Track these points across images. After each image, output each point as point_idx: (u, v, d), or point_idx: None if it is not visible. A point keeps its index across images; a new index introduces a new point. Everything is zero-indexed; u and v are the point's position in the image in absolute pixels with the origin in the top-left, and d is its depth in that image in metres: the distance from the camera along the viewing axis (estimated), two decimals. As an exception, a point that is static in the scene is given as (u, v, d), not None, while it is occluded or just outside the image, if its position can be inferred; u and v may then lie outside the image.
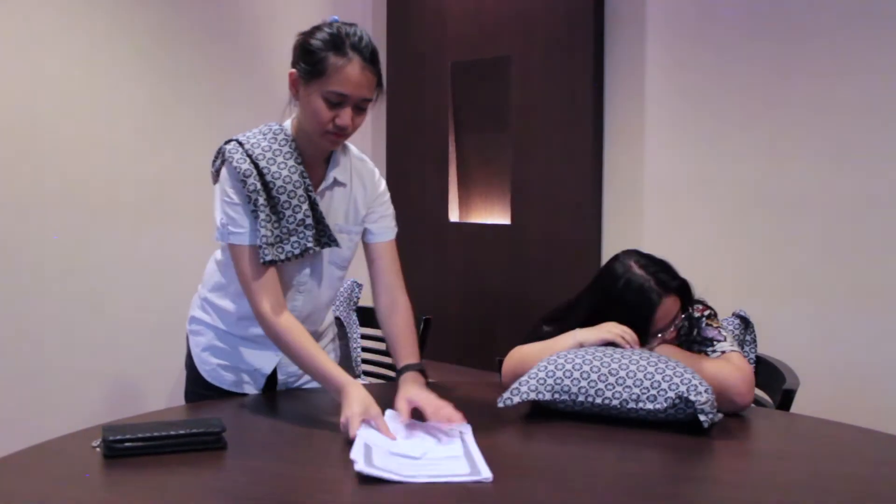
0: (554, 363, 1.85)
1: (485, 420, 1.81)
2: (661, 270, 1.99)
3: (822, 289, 3.18)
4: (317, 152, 1.99)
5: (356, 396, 1.74)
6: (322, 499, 1.45)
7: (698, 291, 2.07)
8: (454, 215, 4.25)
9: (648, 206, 3.63)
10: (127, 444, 1.57)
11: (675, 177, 3.55)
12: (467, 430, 1.72)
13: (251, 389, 2.13)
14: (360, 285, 2.95)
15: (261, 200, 1.89)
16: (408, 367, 1.93)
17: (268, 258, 1.89)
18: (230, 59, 3.81)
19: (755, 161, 3.33)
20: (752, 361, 2.23)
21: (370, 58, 1.90)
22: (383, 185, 2.19)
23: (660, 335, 1.97)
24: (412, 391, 1.83)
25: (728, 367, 1.90)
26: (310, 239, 1.93)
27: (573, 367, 1.83)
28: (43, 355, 3.23)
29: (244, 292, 1.95)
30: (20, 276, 3.15)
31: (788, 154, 3.25)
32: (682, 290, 1.99)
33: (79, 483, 1.49)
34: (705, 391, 1.74)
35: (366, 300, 2.80)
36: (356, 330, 2.92)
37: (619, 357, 1.84)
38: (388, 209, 2.17)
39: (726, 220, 3.41)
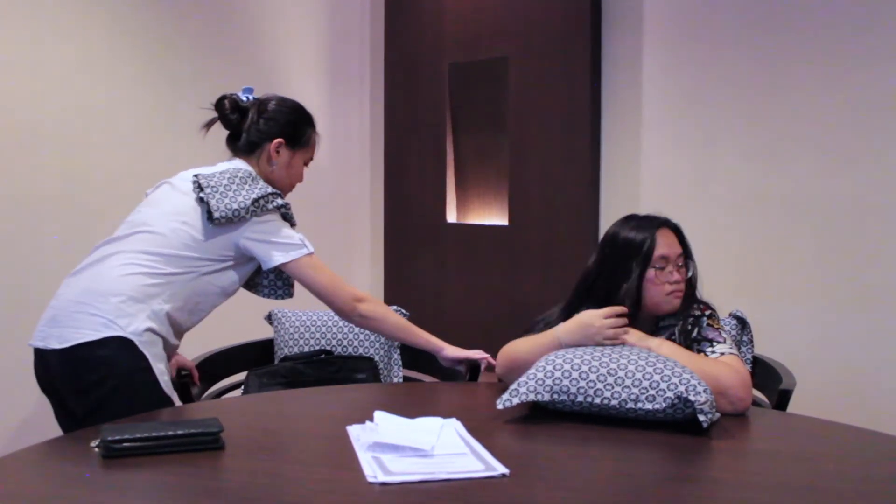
0: (552, 364, 1.86)
1: (484, 421, 1.81)
2: (644, 216, 2.09)
3: (819, 289, 3.19)
4: None
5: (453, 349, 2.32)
6: (320, 500, 1.45)
7: (696, 293, 2.08)
8: (452, 216, 4.25)
9: (645, 206, 3.60)
10: (125, 444, 1.57)
11: (672, 177, 3.56)
12: (458, 425, 1.74)
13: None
14: (405, 314, 2.55)
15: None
16: None
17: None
18: (229, 60, 3.82)
19: (752, 162, 3.33)
20: (748, 362, 2.24)
21: None
22: None
23: (668, 268, 2.01)
24: None
25: (727, 369, 1.89)
26: None
27: (572, 368, 1.83)
28: (40, 356, 3.22)
29: (332, 293, 2.27)
30: (19, 275, 3.15)
31: (785, 155, 3.26)
32: (675, 227, 2.08)
33: (77, 483, 1.49)
34: (704, 391, 1.74)
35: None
36: (398, 372, 2.63)
37: (618, 357, 1.85)
38: None
39: (723, 221, 3.42)
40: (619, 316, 1.96)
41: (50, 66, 3.21)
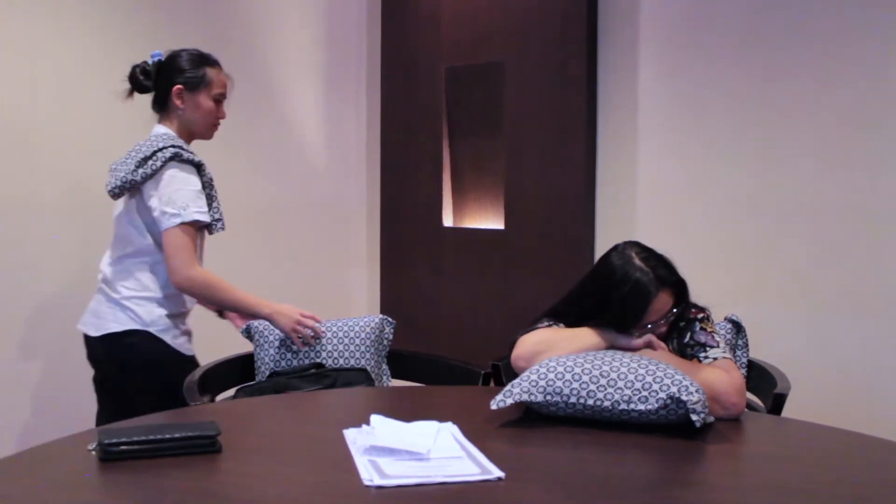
0: (546, 366, 1.86)
1: (480, 424, 1.82)
2: (660, 265, 1.99)
3: (814, 293, 3.20)
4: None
5: (282, 308, 2.45)
6: (316, 503, 1.46)
7: (691, 296, 2.08)
8: (448, 220, 4.26)
9: (641, 210, 3.64)
10: (122, 447, 1.57)
11: (669, 182, 3.57)
12: (454, 429, 1.74)
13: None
14: (391, 322, 2.64)
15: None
16: None
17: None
18: (226, 61, 3.81)
19: (748, 166, 3.35)
20: (743, 366, 2.24)
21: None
22: None
23: (649, 326, 1.98)
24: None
25: (721, 375, 1.90)
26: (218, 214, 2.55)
27: (565, 370, 1.84)
28: (37, 358, 3.23)
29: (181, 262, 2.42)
30: (16, 277, 3.15)
31: (780, 159, 3.27)
32: (679, 286, 2.00)
33: (74, 486, 1.49)
34: (696, 391, 1.75)
35: (398, 342, 2.70)
36: (387, 382, 2.62)
37: (611, 360, 1.85)
38: None
39: (719, 225, 3.43)
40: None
41: (47, 67, 3.21)
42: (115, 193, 2.48)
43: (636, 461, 1.69)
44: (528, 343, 2.02)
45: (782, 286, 3.27)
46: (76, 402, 3.27)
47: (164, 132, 2.51)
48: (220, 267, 3.83)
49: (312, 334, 2.47)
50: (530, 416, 1.89)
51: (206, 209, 2.45)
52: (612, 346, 1.98)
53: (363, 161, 4.53)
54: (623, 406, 1.79)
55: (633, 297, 1.95)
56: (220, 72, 2.57)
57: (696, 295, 2.09)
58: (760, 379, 2.27)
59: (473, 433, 1.74)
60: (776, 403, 2.08)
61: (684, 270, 2.08)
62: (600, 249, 3.72)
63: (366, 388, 2.44)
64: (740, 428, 1.86)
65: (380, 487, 1.46)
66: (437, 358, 2.66)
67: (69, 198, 3.27)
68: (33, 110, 3.19)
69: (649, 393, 1.77)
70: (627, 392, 1.79)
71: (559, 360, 1.88)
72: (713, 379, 1.88)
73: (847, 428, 1.86)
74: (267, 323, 2.53)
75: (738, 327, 2.27)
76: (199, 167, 2.47)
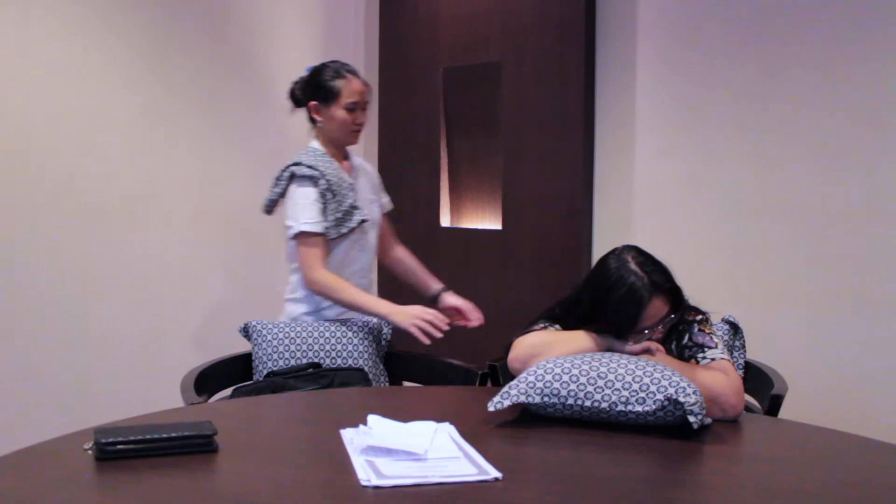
0: (544, 367, 1.86)
1: (477, 425, 1.82)
2: (656, 271, 1.97)
3: (811, 295, 3.20)
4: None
5: (402, 308, 2.49)
6: (313, 503, 1.46)
7: (688, 297, 2.08)
8: (445, 220, 4.26)
9: (639, 211, 3.65)
10: (119, 446, 1.57)
11: (666, 182, 3.57)
12: (452, 429, 1.74)
13: None
14: (388, 323, 2.63)
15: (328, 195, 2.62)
16: (441, 289, 2.83)
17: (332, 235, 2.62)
18: (223, 63, 3.82)
19: (746, 167, 3.35)
20: (740, 367, 2.24)
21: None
22: (375, 169, 3.01)
23: (645, 332, 1.97)
24: (454, 300, 2.78)
25: (719, 377, 1.90)
26: (360, 216, 2.66)
27: (563, 371, 1.84)
28: (34, 358, 3.22)
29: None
30: (12, 278, 3.15)
31: (779, 160, 3.27)
32: (674, 293, 1.99)
33: (70, 486, 1.49)
34: (693, 393, 1.75)
35: (396, 342, 2.72)
36: (384, 382, 2.63)
37: (608, 361, 1.85)
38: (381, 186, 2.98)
39: (717, 226, 3.43)
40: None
41: (44, 68, 3.21)
42: (266, 210, 2.71)
43: (634, 462, 1.69)
44: (523, 345, 2.02)
45: (779, 287, 3.27)
46: (71, 402, 3.28)
47: (310, 147, 2.71)
48: (219, 266, 3.84)
49: (435, 327, 2.47)
50: (528, 417, 1.89)
51: (316, 219, 2.58)
52: (608, 351, 1.98)
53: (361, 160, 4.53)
54: (620, 407, 1.79)
55: (627, 301, 1.94)
56: (352, 80, 2.66)
57: (693, 295, 2.09)
58: (757, 380, 2.27)
59: (471, 433, 1.74)
60: (773, 405, 2.08)
61: (681, 271, 2.08)
62: (597, 250, 3.72)
63: (363, 388, 2.44)
64: (737, 429, 1.86)
65: (377, 488, 1.46)
66: (435, 358, 2.66)
67: (63, 201, 3.27)
68: (29, 112, 3.18)
69: (647, 394, 1.77)
70: (625, 393, 1.79)
71: (556, 361, 1.88)
72: (711, 381, 1.88)
73: (844, 429, 1.86)
74: (266, 322, 2.54)
75: (735, 328, 2.26)
76: (313, 179, 2.59)
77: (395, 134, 4.39)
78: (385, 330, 2.65)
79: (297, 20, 4.24)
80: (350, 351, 2.54)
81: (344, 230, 2.61)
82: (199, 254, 3.75)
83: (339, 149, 2.74)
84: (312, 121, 2.72)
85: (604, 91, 3.73)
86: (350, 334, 2.55)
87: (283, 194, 2.64)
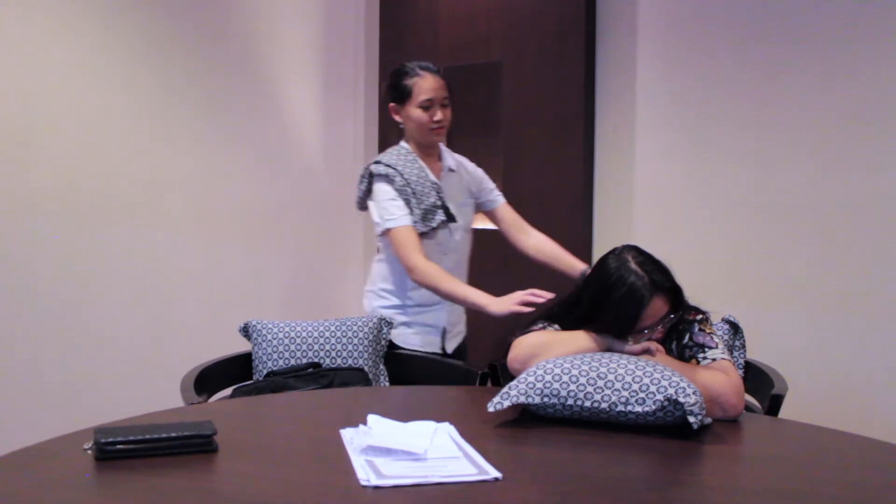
0: (544, 368, 1.86)
1: (477, 425, 1.82)
2: (656, 270, 1.97)
3: (811, 294, 3.20)
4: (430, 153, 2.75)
5: (497, 298, 2.42)
6: (312, 503, 1.46)
7: (688, 296, 2.07)
8: (445, 220, 4.25)
9: (639, 210, 3.65)
10: (118, 446, 1.57)
11: (666, 182, 3.57)
12: (451, 429, 1.74)
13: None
14: (388, 322, 2.64)
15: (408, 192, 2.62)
16: (585, 270, 2.68)
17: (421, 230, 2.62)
18: (223, 62, 3.82)
19: (746, 166, 3.35)
20: (740, 367, 2.24)
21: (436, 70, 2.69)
22: (479, 169, 2.94)
23: (645, 332, 1.97)
24: None
25: (719, 377, 1.89)
26: (441, 216, 2.66)
27: (562, 372, 1.84)
28: (34, 358, 3.22)
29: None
30: (13, 277, 3.15)
31: (779, 159, 3.27)
32: (674, 293, 1.99)
33: (70, 485, 1.49)
34: (693, 393, 1.75)
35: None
36: (384, 382, 2.61)
37: (608, 362, 1.85)
38: (491, 183, 2.94)
39: (716, 225, 3.43)
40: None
41: (43, 69, 3.21)
42: (358, 206, 2.76)
43: (633, 462, 1.69)
44: (523, 346, 2.02)
45: (780, 287, 3.27)
46: (71, 402, 3.28)
47: (398, 146, 2.73)
48: (219, 266, 3.84)
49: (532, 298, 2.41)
50: (527, 417, 1.89)
51: (398, 214, 2.60)
52: (607, 351, 1.97)
53: (361, 160, 4.53)
54: (620, 408, 1.79)
55: (627, 301, 1.94)
56: (424, 78, 2.64)
57: (693, 295, 2.09)
58: (757, 380, 2.27)
59: (470, 433, 1.74)
60: (773, 404, 2.08)
61: (681, 270, 2.07)
62: (598, 249, 3.72)
63: (363, 387, 2.44)
64: (737, 429, 1.86)
65: (376, 487, 1.46)
66: (435, 358, 2.66)
67: (65, 200, 3.27)
68: (29, 112, 3.18)
69: (647, 395, 1.77)
70: (625, 394, 1.78)
71: (556, 361, 1.88)
72: (712, 381, 1.88)
73: (844, 429, 1.86)
74: (266, 322, 2.54)
75: (735, 328, 2.26)
76: (388, 177, 2.62)
77: (395, 133, 4.39)
78: (384, 329, 2.63)
79: (297, 20, 4.24)
80: (350, 351, 2.53)
81: (424, 228, 2.63)
82: (200, 254, 3.75)
83: (426, 149, 2.73)
84: (396, 122, 2.73)
85: (604, 91, 3.73)
86: (350, 334, 2.54)
87: (368, 191, 2.67)
